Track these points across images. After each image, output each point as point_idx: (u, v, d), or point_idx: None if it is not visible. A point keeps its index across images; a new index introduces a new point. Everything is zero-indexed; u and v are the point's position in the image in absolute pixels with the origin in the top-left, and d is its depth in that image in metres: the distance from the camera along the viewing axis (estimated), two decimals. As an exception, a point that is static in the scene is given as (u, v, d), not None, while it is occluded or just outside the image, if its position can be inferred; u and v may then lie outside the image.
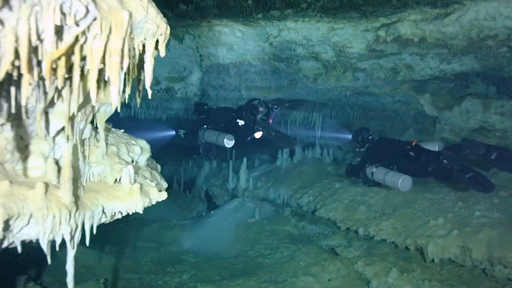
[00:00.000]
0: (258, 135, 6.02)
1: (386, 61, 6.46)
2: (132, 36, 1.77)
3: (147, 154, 2.81)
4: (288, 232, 7.09)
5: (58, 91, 1.86)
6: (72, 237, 2.03)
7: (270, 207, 8.03)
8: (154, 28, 1.81)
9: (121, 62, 1.68)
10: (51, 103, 1.85)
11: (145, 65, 1.88)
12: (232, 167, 9.40)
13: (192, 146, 6.76)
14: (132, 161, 2.67)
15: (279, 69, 7.33)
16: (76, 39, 1.52)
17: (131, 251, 6.73)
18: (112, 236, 6.93)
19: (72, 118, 2.04)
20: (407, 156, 5.26)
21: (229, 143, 5.84)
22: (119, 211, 2.31)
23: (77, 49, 1.58)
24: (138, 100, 2.24)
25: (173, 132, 7.15)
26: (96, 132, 2.40)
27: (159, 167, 3.43)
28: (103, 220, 2.35)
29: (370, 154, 5.83)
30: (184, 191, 10.35)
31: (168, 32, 1.92)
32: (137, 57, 1.92)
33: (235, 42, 6.43)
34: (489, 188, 4.31)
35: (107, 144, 2.45)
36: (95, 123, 2.34)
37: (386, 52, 6.01)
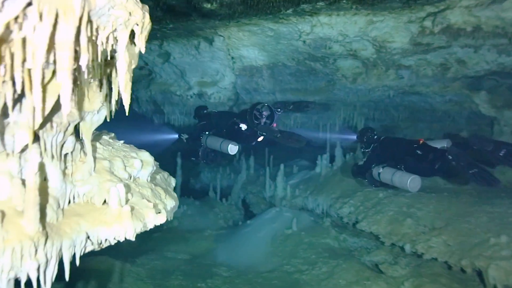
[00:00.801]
0: (261, 138, 5.94)
1: (434, 56, 5.84)
2: (96, 25, 1.39)
3: (149, 168, 2.45)
4: (327, 245, 6.56)
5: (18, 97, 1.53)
6: (42, 273, 1.69)
7: (308, 217, 7.54)
8: (125, 15, 1.43)
9: (77, 59, 1.31)
10: (6, 113, 1.52)
11: (118, 63, 1.50)
12: (269, 174, 8.98)
13: (192, 149, 6.74)
14: (130, 177, 2.32)
15: (315, 69, 6.87)
16: (9, 30, 1.17)
17: (163, 263, 6.51)
18: (145, 246, 6.79)
19: (41, 129, 1.71)
20: (414, 154, 5.14)
21: (233, 150, 5.74)
22: (106, 239, 1.96)
23: (17, 43, 1.23)
24: (127, 107, 1.87)
25: (177, 136, 7.08)
26: (83, 145, 2.07)
27: (172, 181, 3.05)
28: (90, 248, 2.01)
29: (376, 154, 5.73)
30: (220, 199, 10.05)
31: (147, 20, 1.53)
32: (109, 53, 1.55)
33: (267, 42, 6.06)
34: (493, 183, 4.50)
35: (95, 158, 2.11)
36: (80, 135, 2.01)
37: (433, 46, 5.41)
